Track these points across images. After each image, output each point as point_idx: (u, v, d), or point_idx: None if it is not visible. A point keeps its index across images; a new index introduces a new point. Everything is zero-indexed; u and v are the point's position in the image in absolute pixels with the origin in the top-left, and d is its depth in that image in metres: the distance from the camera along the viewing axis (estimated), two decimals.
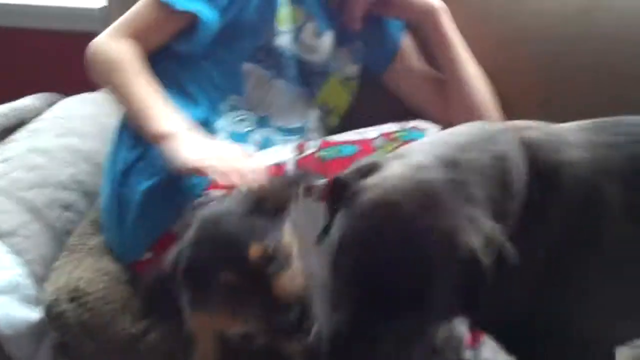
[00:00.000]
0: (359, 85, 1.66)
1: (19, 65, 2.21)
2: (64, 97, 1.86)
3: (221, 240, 1.09)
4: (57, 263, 1.37)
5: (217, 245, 1.09)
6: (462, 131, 1.04)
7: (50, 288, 1.29)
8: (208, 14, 1.43)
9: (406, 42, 1.67)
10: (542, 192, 0.99)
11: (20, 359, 1.30)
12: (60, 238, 1.47)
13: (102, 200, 1.47)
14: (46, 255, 1.42)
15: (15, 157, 1.56)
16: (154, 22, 1.46)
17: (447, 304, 0.91)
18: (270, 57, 1.49)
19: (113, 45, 1.43)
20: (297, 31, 1.53)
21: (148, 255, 1.34)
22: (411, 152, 1.00)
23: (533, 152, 1.01)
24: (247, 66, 1.48)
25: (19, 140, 1.64)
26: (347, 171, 0.99)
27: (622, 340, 1.14)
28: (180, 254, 1.12)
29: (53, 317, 1.25)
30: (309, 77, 1.56)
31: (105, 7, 1.76)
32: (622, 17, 1.55)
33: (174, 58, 1.46)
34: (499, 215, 0.94)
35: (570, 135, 1.05)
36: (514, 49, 1.63)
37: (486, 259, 0.89)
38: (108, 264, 1.36)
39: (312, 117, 1.56)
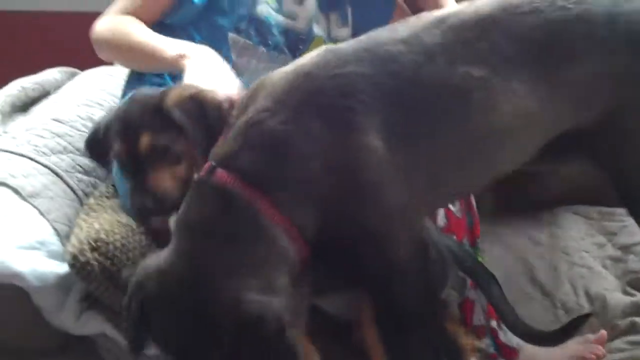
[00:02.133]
0: None
1: (39, 43, 2.28)
2: (80, 71, 1.92)
3: (127, 118, 1.23)
4: (77, 220, 1.42)
5: (122, 121, 1.23)
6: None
7: (73, 240, 1.32)
8: None
9: (400, 4, 1.70)
10: None
11: (48, 310, 1.34)
12: (80, 200, 1.52)
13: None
14: (69, 215, 1.46)
15: (38, 125, 1.61)
16: (147, 2, 1.51)
17: None
18: (252, 26, 1.52)
19: (114, 20, 1.50)
20: None
21: None
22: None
23: None
24: (231, 36, 1.51)
25: (42, 110, 1.68)
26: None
27: None
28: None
29: (78, 267, 1.28)
30: (294, 43, 1.58)
31: None
32: None
33: (160, 31, 1.49)
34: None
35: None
36: None
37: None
38: (123, 218, 1.41)
39: None
